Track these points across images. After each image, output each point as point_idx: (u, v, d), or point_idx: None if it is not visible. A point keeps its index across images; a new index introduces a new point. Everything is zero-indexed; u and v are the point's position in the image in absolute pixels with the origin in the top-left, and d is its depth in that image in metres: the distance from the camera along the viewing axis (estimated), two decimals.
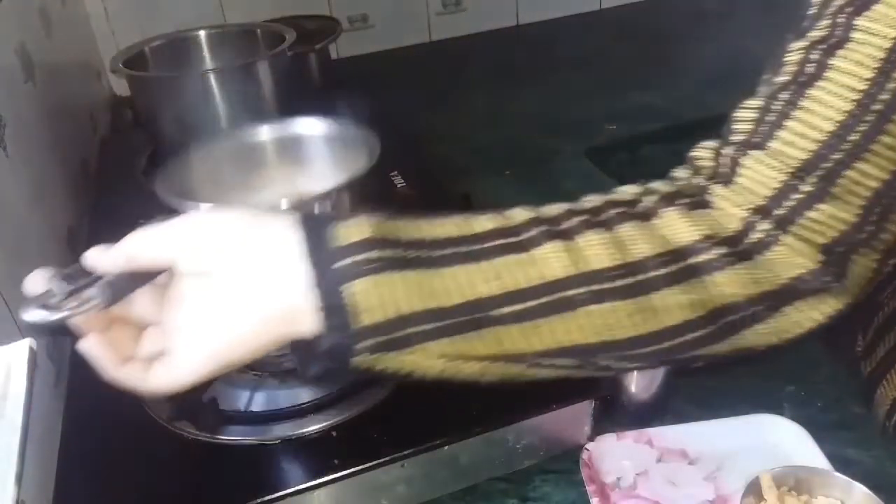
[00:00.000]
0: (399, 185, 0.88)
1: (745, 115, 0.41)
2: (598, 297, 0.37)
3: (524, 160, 1.06)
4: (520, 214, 0.40)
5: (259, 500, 0.49)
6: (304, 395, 0.57)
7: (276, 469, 0.51)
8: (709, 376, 0.67)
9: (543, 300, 0.36)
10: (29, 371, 0.42)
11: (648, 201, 0.40)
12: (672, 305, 0.37)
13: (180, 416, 0.55)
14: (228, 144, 0.65)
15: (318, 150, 0.66)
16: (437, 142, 1.10)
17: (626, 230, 0.38)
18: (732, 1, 1.58)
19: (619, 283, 0.37)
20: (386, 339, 0.36)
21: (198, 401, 0.56)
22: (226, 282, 0.36)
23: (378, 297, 0.35)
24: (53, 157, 0.90)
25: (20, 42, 0.85)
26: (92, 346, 0.38)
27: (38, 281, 0.37)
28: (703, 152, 0.43)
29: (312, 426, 0.54)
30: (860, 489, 0.49)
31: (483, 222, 0.39)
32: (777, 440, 0.57)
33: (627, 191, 0.42)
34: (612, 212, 0.40)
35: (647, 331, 0.38)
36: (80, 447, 0.55)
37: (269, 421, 0.55)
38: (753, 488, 0.50)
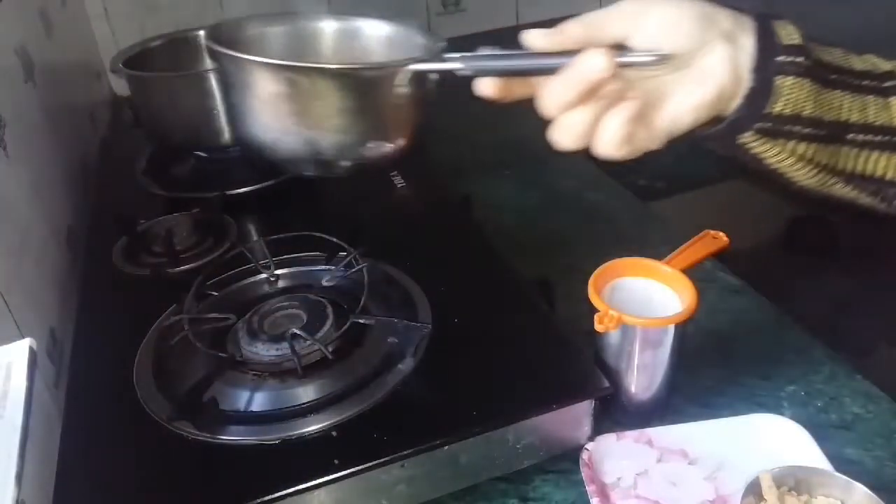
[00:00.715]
0: (399, 185, 0.88)
1: None
2: None
3: (524, 160, 1.06)
4: (886, 64, 0.48)
5: (259, 500, 0.49)
6: (304, 395, 0.57)
7: (276, 469, 0.51)
8: (708, 376, 0.67)
9: (881, 138, 0.46)
10: (29, 371, 0.42)
11: None
12: None
13: (180, 416, 0.55)
14: (285, 24, 0.62)
15: (375, 50, 0.63)
16: (437, 142, 1.10)
17: None
18: (732, 0, 1.57)
19: None
20: (775, 128, 0.44)
21: (198, 401, 0.56)
22: (687, 58, 0.43)
23: (792, 94, 0.44)
24: (53, 157, 0.90)
25: (20, 42, 0.85)
26: (577, 118, 0.44)
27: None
28: None
29: (312, 426, 0.54)
30: (860, 489, 0.49)
31: (862, 62, 0.47)
32: (777, 440, 0.57)
33: None
34: None
35: None
36: (80, 447, 0.55)
37: (269, 421, 0.55)
38: (753, 488, 0.50)
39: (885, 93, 0.46)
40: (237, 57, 0.51)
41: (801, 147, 0.45)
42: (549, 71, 0.44)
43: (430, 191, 0.87)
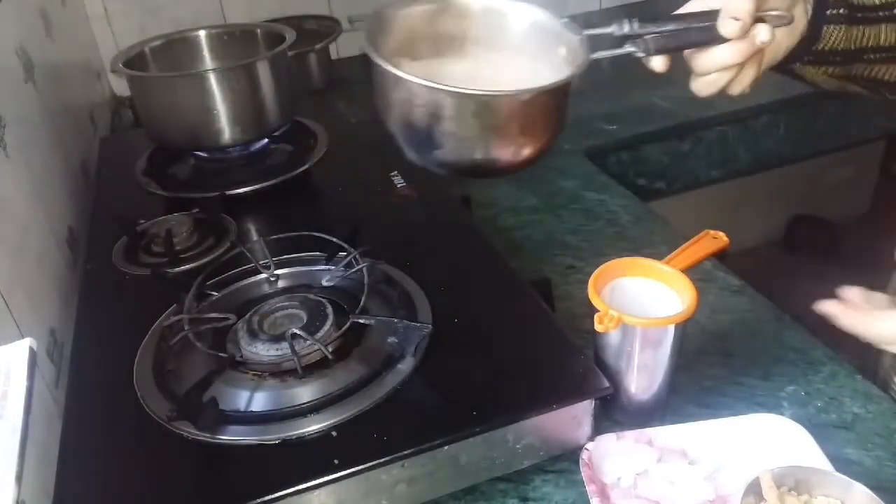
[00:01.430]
0: (399, 185, 0.88)
1: None
2: None
3: None
4: None
5: (259, 500, 0.49)
6: (304, 395, 0.57)
7: (276, 469, 0.51)
8: (708, 376, 0.67)
9: (887, 55, 0.59)
10: (29, 371, 0.42)
11: None
12: None
13: (180, 416, 0.55)
14: (430, 2, 0.61)
15: (520, 38, 0.63)
16: None
17: None
18: None
19: None
20: (816, 59, 0.58)
21: (198, 401, 0.56)
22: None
23: (832, 37, 0.57)
24: (53, 157, 0.90)
25: (20, 42, 0.85)
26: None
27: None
28: None
29: (312, 426, 0.54)
30: (860, 489, 0.49)
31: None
32: (777, 440, 0.57)
33: None
34: None
35: None
36: (80, 447, 0.55)
37: (269, 421, 0.55)
38: (753, 488, 0.50)
39: (894, 19, 0.58)
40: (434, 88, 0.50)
41: (831, 69, 0.60)
42: (719, 41, 0.52)
43: (430, 191, 0.87)
